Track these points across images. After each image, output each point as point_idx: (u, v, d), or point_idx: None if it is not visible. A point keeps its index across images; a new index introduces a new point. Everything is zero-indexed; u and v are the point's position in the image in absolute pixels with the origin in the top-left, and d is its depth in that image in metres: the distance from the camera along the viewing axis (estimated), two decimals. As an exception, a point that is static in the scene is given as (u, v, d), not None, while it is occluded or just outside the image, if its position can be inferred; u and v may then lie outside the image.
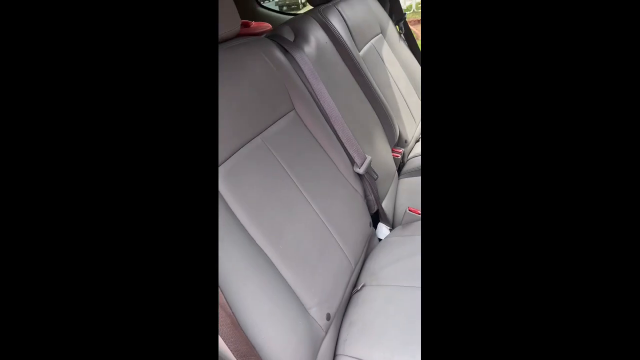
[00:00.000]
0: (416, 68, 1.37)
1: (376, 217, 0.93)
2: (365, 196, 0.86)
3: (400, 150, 1.15)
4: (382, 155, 1.00)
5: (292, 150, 0.70)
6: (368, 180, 0.85)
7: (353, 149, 0.83)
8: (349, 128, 0.84)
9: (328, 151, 0.79)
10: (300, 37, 0.86)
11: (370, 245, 0.87)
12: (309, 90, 0.79)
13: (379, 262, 0.77)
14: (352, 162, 0.83)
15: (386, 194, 0.96)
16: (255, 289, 0.51)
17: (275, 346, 0.48)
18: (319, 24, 0.94)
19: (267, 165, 0.64)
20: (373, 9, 1.24)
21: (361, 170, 0.82)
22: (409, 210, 0.89)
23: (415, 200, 0.97)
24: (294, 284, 0.58)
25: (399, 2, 1.35)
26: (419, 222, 0.86)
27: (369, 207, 0.90)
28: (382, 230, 0.92)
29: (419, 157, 1.18)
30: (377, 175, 0.87)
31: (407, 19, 1.37)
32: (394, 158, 1.12)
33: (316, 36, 0.90)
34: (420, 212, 0.88)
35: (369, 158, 0.85)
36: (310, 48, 0.85)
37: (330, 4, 1.03)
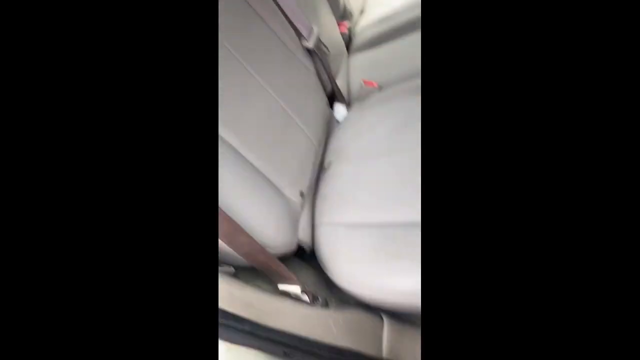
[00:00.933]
0: None
1: (332, 97, 0.90)
2: (319, 75, 0.81)
3: (346, 24, 1.06)
4: (329, 29, 0.91)
5: (233, 28, 0.60)
6: (320, 56, 0.79)
7: (298, 20, 0.73)
8: None
9: (271, 24, 0.69)
10: None
11: (330, 126, 0.85)
12: None
13: (342, 139, 0.77)
14: (299, 35, 0.75)
15: (338, 72, 0.91)
16: (228, 176, 0.49)
17: (259, 221, 0.49)
18: None
19: None
20: None
21: (310, 44, 0.75)
22: (364, 84, 0.86)
23: (369, 75, 0.94)
24: (262, 167, 0.56)
25: None
26: (376, 94, 0.84)
27: (324, 87, 0.85)
28: (340, 110, 0.90)
29: (368, 30, 1.10)
30: (328, 49, 0.80)
31: None
32: (341, 33, 1.03)
33: None
34: (375, 83, 0.86)
35: (315, 29, 0.77)
36: None
37: None
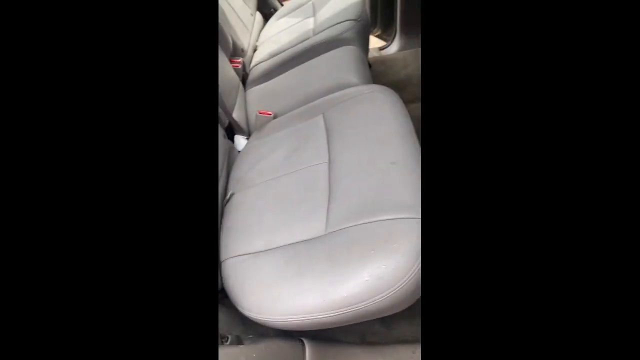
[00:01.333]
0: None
1: (231, 131, 0.90)
2: None
3: (239, 60, 1.09)
4: (220, 66, 0.93)
5: None
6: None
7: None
8: None
9: None
10: None
11: (230, 157, 0.85)
12: None
13: (242, 168, 0.77)
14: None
15: (234, 105, 0.92)
16: None
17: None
18: None
19: None
20: None
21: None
22: (259, 114, 0.89)
23: (265, 106, 0.97)
24: None
25: None
26: (271, 122, 0.87)
27: (221, 121, 0.85)
28: (240, 141, 0.91)
29: (262, 64, 1.15)
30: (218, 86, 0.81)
31: None
32: (235, 69, 1.06)
33: None
34: (270, 112, 0.89)
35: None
36: None
37: None
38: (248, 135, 0.92)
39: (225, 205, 0.72)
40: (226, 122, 0.86)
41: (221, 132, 0.80)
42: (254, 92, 1.05)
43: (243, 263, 0.58)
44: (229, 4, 1.13)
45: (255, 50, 1.26)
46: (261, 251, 0.58)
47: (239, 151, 0.89)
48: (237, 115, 0.91)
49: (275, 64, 1.08)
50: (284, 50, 1.11)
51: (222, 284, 0.61)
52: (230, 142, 0.87)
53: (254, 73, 1.14)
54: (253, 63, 1.18)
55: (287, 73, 1.02)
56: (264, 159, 0.75)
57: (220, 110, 0.83)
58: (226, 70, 0.96)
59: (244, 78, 1.13)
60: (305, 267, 0.51)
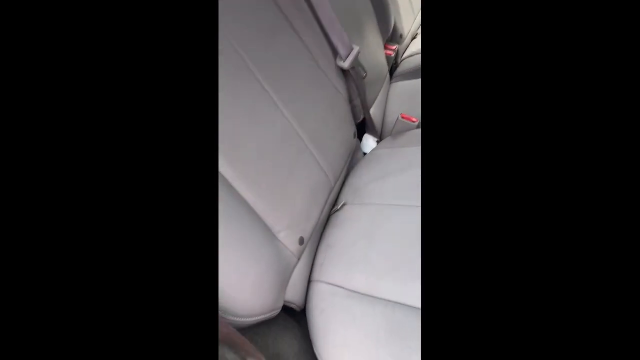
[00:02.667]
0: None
1: (362, 127, 0.79)
2: (350, 100, 0.71)
3: (394, 47, 0.96)
4: (372, 50, 0.81)
5: (253, 34, 0.51)
6: (354, 78, 0.68)
7: (337, 35, 0.64)
8: (334, 8, 0.64)
9: (303, 37, 0.60)
10: None
11: (353, 159, 0.74)
12: None
13: (363, 177, 0.66)
14: (335, 53, 0.65)
15: (375, 99, 0.80)
16: None
17: (231, 282, 0.38)
18: None
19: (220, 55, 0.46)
20: None
21: (346, 65, 0.65)
22: (402, 118, 0.75)
23: (409, 107, 0.82)
24: (256, 205, 0.46)
25: None
26: (413, 132, 0.72)
27: (354, 115, 0.75)
28: (369, 142, 0.79)
29: (416, 57, 0.99)
30: (365, 72, 0.69)
31: None
32: (386, 56, 0.93)
33: None
34: (415, 119, 0.74)
35: (356, 49, 0.67)
36: None
37: None
38: (380, 137, 0.80)
39: (332, 213, 0.62)
40: (360, 116, 0.75)
41: (351, 129, 0.70)
42: (399, 87, 0.91)
43: (334, 297, 0.49)
44: None
45: (414, 38, 1.10)
46: (359, 293, 0.48)
47: (365, 153, 0.78)
48: (374, 111, 0.79)
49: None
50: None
51: (305, 305, 0.53)
52: (357, 140, 0.76)
53: (404, 65, 0.99)
54: (407, 53, 1.03)
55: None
56: (391, 176, 0.62)
57: (357, 101, 0.72)
58: (377, 56, 0.83)
59: (392, 68, 1.00)
60: (409, 344, 0.38)
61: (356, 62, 0.67)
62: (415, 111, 0.77)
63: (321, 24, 0.62)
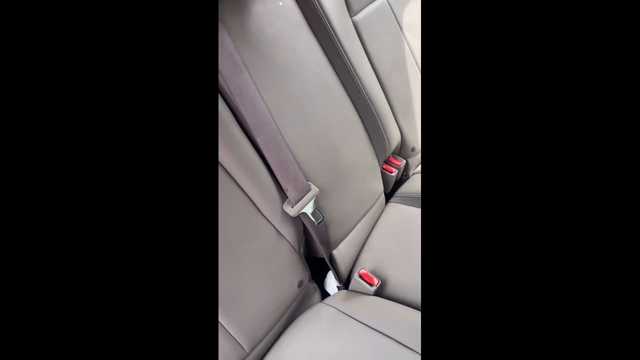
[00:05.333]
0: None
1: (323, 266, 0.68)
2: (298, 247, 0.61)
3: (400, 163, 0.83)
4: (361, 177, 0.71)
5: None
6: (308, 223, 0.59)
7: (288, 179, 0.56)
8: (298, 139, 0.57)
9: (246, 189, 0.53)
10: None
11: (302, 307, 0.64)
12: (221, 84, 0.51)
13: (291, 345, 0.55)
14: (284, 197, 0.58)
15: (347, 234, 0.69)
16: None
17: None
18: (280, -28, 0.61)
19: None
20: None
21: (292, 213, 0.56)
22: (358, 276, 0.62)
23: (395, 246, 0.68)
24: None
25: None
26: (367, 301, 0.59)
27: (317, 252, 0.65)
28: (331, 283, 0.68)
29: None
30: (322, 216, 0.60)
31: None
32: (386, 174, 0.81)
33: (266, -7, 0.58)
34: (376, 282, 0.60)
35: (312, 191, 0.58)
36: (240, 16, 0.55)
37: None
38: (344, 282, 0.67)
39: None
40: (327, 254, 0.64)
41: (295, 278, 0.60)
42: (393, 211, 0.77)
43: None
44: (415, 62, 0.86)
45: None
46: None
47: (323, 294, 0.67)
48: (345, 248, 0.67)
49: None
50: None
51: None
52: (311, 285, 0.65)
53: (412, 183, 0.85)
54: (419, 169, 0.89)
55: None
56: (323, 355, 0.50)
57: (314, 244, 0.62)
58: (366, 181, 0.73)
59: (397, 182, 0.87)
60: None
61: (312, 207, 0.58)
62: (385, 266, 0.64)
63: (270, 169, 0.55)
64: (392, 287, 0.61)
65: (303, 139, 0.60)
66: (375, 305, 0.57)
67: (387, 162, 0.83)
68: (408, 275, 0.62)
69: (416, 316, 0.53)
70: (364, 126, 0.71)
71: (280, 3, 0.60)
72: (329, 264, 0.65)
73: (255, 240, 0.55)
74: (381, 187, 0.78)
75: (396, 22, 0.80)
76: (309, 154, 0.60)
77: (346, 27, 0.69)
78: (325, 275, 0.72)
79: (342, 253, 0.67)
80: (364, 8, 0.74)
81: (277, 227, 0.57)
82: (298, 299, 0.63)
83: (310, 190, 0.58)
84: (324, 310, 0.59)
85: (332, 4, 0.66)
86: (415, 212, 0.75)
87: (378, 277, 0.62)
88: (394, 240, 0.70)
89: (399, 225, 0.74)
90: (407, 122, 0.81)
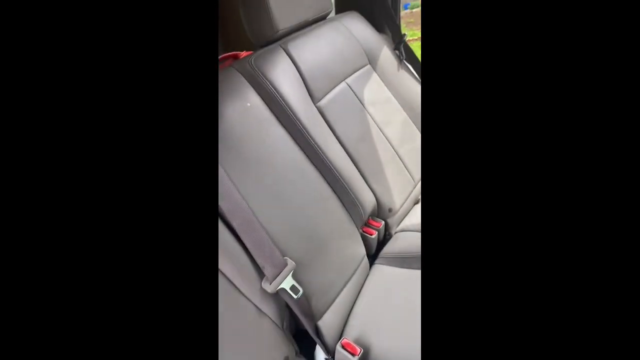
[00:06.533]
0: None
1: (306, 338, 0.69)
2: (281, 322, 0.64)
3: (379, 224, 0.87)
4: (339, 245, 0.75)
5: None
6: (287, 297, 0.62)
7: (265, 256, 0.61)
8: (273, 218, 0.63)
9: (225, 271, 0.58)
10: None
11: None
12: None
13: None
14: (262, 275, 0.62)
15: (331, 302, 0.71)
16: None
17: None
18: (247, 78, 0.73)
19: None
20: (355, 34, 0.97)
21: (270, 289, 0.60)
22: (341, 346, 0.63)
23: (379, 311, 0.70)
24: None
25: (394, 21, 1.04)
26: None
27: (303, 323, 0.67)
28: (319, 356, 0.68)
29: (408, 235, 0.88)
30: (300, 290, 0.63)
31: (406, 40, 1.05)
32: (367, 237, 0.85)
33: (234, 98, 0.69)
34: (358, 351, 0.61)
35: (289, 266, 0.62)
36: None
37: (273, 46, 0.81)
38: (331, 354, 0.68)
39: None
40: (312, 326, 0.66)
41: (280, 353, 0.61)
42: (378, 273, 0.80)
43: None
44: (382, 133, 0.93)
45: (417, 202, 1.00)
46: None
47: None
48: (329, 318, 0.69)
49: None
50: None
51: None
52: (300, 358, 0.66)
53: (394, 244, 0.88)
54: (402, 226, 0.93)
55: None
56: None
57: (298, 319, 0.64)
58: (342, 249, 0.76)
59: (381, 242, 0.90)
60: None
61: (290, 281, 0.62)
62: (377, 326, 0.65)
63: (247, 249, 0.60)
64: (376, 357, 0.61)
65: (278, 218, 0.66)
66: (357, 378, 0.57)
67: (367, 224, 0.87)
68: (391, 342, 0.63)
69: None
70: (338, 197, 0.77)
71: (248, 104, 0.70)
72: (313, 336, 0.66)
73: (236, 319, 0.58)
74: (363, 251, 0.82)
75: (358, 101, 0.91)
76: (284, 231, 0.66)
77: (310, 114, 0.78)
78: (315, 348, 0.72)
79: (327, 324, 0.68)
80: (326, 94, 0.85)
81: (257, 304, 0.60)
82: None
83: (287, 265, 0.62)
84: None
85: (294, 96, 0.76)
86: (400, 273, 0.77)
87: (362, 345, 0.62)
88: (378, 305, 0.72)
89: (383, 289, 0.76)
90: (379, 185, 0.87)
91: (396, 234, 0.91)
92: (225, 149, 0.63)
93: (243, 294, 0.59)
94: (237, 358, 0.56)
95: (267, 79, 0.74)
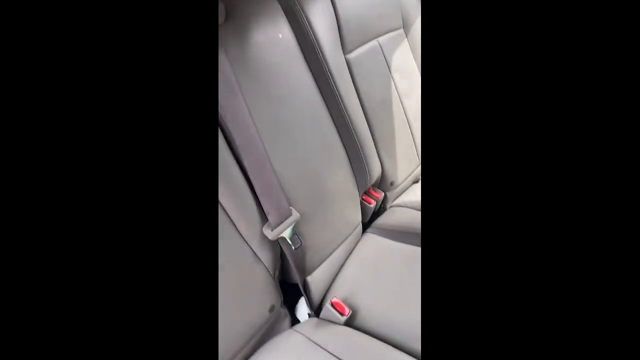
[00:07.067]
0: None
1: (296, 291, 0.68)
2: (273, 271, 0.62)
3: (379, 195, 0.86)
4: (341, 206, 0.73)
5: None
6: (286, 247, 0.60)
7: (272, 202, 0.57)
8: (284, 163, 0.59)
9: (228, 210, 0.54)
10: (233, 19, 0.58)
11: (271, 331, 0.63)
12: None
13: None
14: (265, 220, 0.58)
15: (322, 261, 0.70)
16: None
17: None
18: (283, 7, 0.65)
19: None
20: (397, -8, 0.90)
21: (271, 236, 0.57)
22: (330, 304, 0.63)
23: (369, 277, 0.70)
24: None
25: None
26: (339, 331, 0.59)
27: (291, 277, 0.65)
28: (302, 310, 0.68)
29: (402, 211, 0.88)
30: (300, 242, 0.61)
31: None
32: (365, 205, 0.83)
33: (266, 25, 0.62)
34: (347, 311, 0.61)
35: (293, 217, 0.59)
36: (241, 43, 0.57)
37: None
38: (316, 309, 0.68)
39: None
40: (301, 279, 0.65)
41: (265, 303, 0.60)
42: (368, 242, 0.79)
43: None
44: (400, 103, 0.90)
45: (416, 181, 1.00)
46: None
47: (294, 321, 0.66)
48: (319, 276, 0.68)
49: (416, 227, 0.79)
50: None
51: None
52: (282, 310, 0.65)
53: (390, 215, 0.88)
54: (398, 201, 0.92)
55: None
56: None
57: (289, 269, 0.62)
58: (343, 210, 0.74)
59: (375, 213, 0.89)
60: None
61: (293, 233, 0.60)
62: (366, 291, 0.65)
63: (254, 190, 0.56)
64: (363, 318, 0.61)
65: (289, 164, 0.62)
66: (344, 336, 0.57)
67: (367, 193, 0.86)
68: (379, 307, 0.63)
69: (384, 350, 0.54)
70: (348, 157, 0.74)
71: (280, 35, 0.63)
72: (302, 290, 0.65)
73: (231, 260, 0.55)
74: (359, 217, 0.80)
75: (385, 64, 0.86)
76: (293, 179, 0.62)
77: (339, 63, 0.73)
78: (297, 302, 0.71)
79: (315, 280, 0.67)
80: (357, 48, 0.79)
81: (254, 249, 0.57)
82: (269, 323, 0.62)
83: (291, 215, 0.59)
84: (293, 338, 0.59)
85: (327, 41, 0.70)
86: (391, 245, 0.77)
87: (349, 306, 0.62)
88: (368, 271, 0.72)
89: (374, 257, 0.75)
90: (388, 157, 0.85)
91: (392, 208, 0.91)
92: (248, 77, 0.57)
93: (242, 236, 0.56)
94: (227, 296, 0.53)
95: (304, 14, 0.67)
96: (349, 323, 0.62)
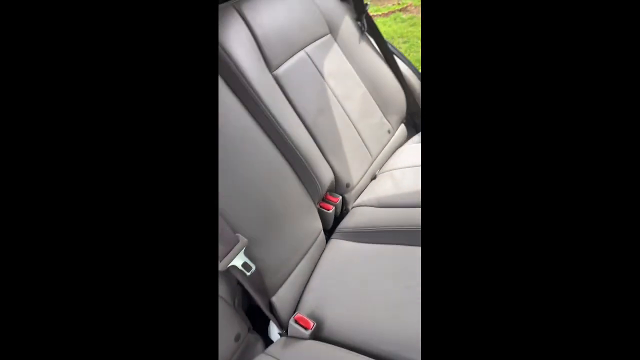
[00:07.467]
0: (384, 73, 1.03)
1: (261, 315, 0.68)
2: (232, 300, 0.62)
3: (336, 199, 0.87)
4: (295, 220, 0.73)
5: None
6: (239, 275, 0.60)
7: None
8: (224, 193, 0.60)
9: None
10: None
11: (244, 357, 0.63)
12: None
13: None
14: (212, 252, 0.58)
15: (285, 278, 0.70)
16: None
17: None
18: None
19: None
20: (317, 1, 0.91)
21: (221, 267, 0.57)
22: (294, 321, 0.63)
23: (335, 284, 0.70)
24: None
25: (357, -11, 0.99)
26: (309, 345, 0.60)
27: (259, 299, 0.65)
28: (273, 331, 0.68)
29: (364, 210, 0.89)
30: (253, 267, 0.61)
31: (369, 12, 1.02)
32: (324, 211, 0.84)
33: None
34: (311, 324, 0.62)
35: (241, 243, 0.59)
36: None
37: (223, 5, 0.73)
38: (285, 329, 0.68)
39: None
40: (265, 302, 0.65)
41: (232, 333, 0.59)
42: (334, 248, 0.80)
43: None
44: (341, 106, 0.91)
45: (374, 178, 1.01)
46: None
47: (267, 341, 0.66)
48: (284, 294, 0.68)
49: (378, 224, 0.80)
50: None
51: None
52: (252, 336, 0.65)
53: (351, 218, 0.88)
54: (359, 201, 0.93)
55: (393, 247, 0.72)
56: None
57: (248, 287, 0.62)
58: (302, 224, 0.75)
59: (338, 217, 0.90)
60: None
61: (241, 258, 0.60)
62: (332, 299, 0.65)
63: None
64: (329, 329, 0.62)
65: (229, 193, 0.62)
66: (309, 351, 0.58)
67: (324, 199, 0.86)
68: (345, 314, 0.63)
69: (349, 358, 0.54)
70: (294, 171, 0.75)
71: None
72: (266, 312, 0.65)
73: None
74: (319, 226, 0.81)
75: (318, 72, 0.87)
76: (236, 206, 0.62)
77: (266, 82, 0.74)
78: (269, 323, 0.71)
79: (281, 299, 0.68)
80: (283, 62, 0.80)
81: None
82: (238, 351, 0.62)
83: (238, 241, 0.59)
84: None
85: (248, 63, 0.71)
86: (354, 247, 0.78)
87: (315, 319, 0.63)
88: (333, 279, 0.72)
89: (339, 262, 0.76)
90: (338, 161, 0.86)
91: (353, 209, 0.92)
92: None
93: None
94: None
95: (219, 42, 0.68)
96: (317, 336, 0.62)
